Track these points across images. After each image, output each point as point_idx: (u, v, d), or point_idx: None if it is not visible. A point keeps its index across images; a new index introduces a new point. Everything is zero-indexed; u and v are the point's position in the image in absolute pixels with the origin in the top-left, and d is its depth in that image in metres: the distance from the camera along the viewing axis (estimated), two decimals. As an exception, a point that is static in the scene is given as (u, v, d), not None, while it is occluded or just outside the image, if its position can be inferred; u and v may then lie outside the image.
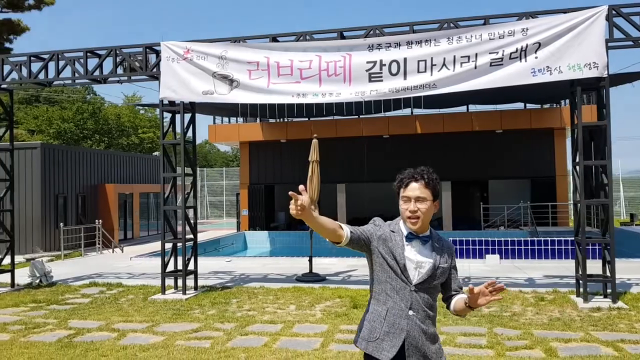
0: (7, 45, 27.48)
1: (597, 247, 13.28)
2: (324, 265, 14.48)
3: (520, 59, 9.54)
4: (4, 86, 12.48)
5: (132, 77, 11.96)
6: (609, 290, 9.74)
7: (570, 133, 14.32)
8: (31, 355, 7.09)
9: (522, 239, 16.38)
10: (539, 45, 9.43)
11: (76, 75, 11.78)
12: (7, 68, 12.22)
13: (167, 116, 12.27)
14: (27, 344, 7.63)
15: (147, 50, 11.37)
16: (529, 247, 16.04)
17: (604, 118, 9.75)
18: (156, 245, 18.75)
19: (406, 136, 22.32)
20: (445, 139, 22.45)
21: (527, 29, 9.50)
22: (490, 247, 16.24)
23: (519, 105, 21.83)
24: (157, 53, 11.35)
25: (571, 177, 10.67)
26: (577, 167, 10.00)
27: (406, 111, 21.33)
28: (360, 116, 22.23)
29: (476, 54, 9.68)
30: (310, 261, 12.97)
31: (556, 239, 16.17)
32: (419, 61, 9.91)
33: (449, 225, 23.55)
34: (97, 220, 19.72)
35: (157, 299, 10.57)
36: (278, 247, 22.15)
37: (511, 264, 14.56)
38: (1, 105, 12.63)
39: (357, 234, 3.11)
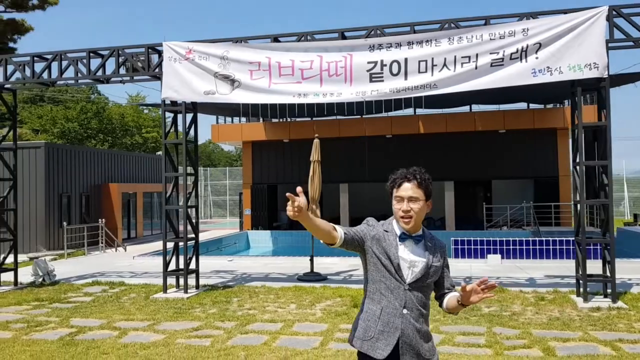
0: (11, 45, 27.60)
1: (598, 247, 13.27)
2: (325, 264, 14.53)
3: (521, 60, 9.56)
4: (7, 86, 12.57)
5: (135, 77, 12.03)
6: (609, 290, 9.75)
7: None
8: (33, 353, 7.16)
9: (524, 239, 16.38)
10: (540, 46, 9.45)
11: (79, 75, 11.86)
12: (10, 68, 12.31)
13: (170, 116, 12.33)
14: (29, 341, 7.70)
15: (150, 50, 11.44)
16: (531, 247, 16.03)
17: (605, 118, 9.75)
18: (159, 245, 18.78)
19: (409, 136, 22.33)
20: (448, 138, 22.46)
21: (527, 30, 9.52)
22: (492, 247, 16.24)
23: (522, 105, 21.82)
24: (160, 53, 11.41)
25: (574, 177, 10.67)
26: (578, 168, 10.01)
27: (409, 111, 21.34)
28: (363, 116, 22.25)
29: (477, 54, 9.71)
30: (312, 261, 13.01)
31: (558, 239, 16.16)
32: (419, 61, 9.94)
33: (452, 225, 23.57)
34: (100, 220, 19.81)
35: (159, 298, 10.63)
36: (280, 247, 22.22)
37: (513, 264, 14.58)
38: (5, 105, 12.72)
39: (350, 235, 3.14)
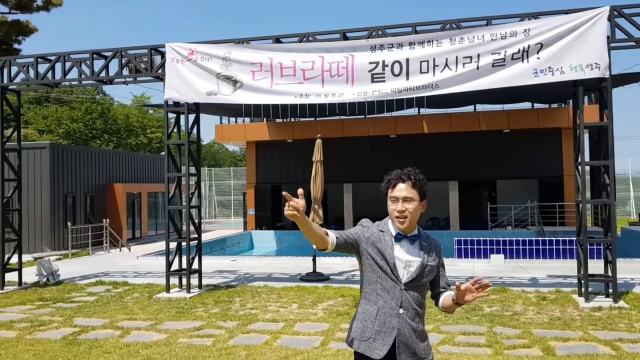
0: (16, 46, 27.75)
1: (602, 247, 13.24)
2: (328, 264, 14.56)
3: (523, 60, 9.56)
4: (11, 87, 12.65)
5: (138, 78, 12.11)
6: (610, 290, 9.75)
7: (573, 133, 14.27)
8: (36, 352, 7.22)
9: (528, 238, 16.36)
10: (541, 46, 9.45)
11: (82, 76, 11.94)
12: (14, 69, 12.39)
13: (173, 116, 12.38)
14: (32, 341, 7.77)
15: (152, 51, 11.50)
16: (534, 247, 16.01)
17: (607, 118, 9.75)
18: (163, 245, 18.76)
19: (413, 136, 22.33)
20: (452, 138, 22.44)
21: (529, 30, 9.52)
22: (495, 247, 16.22)
23: (527, 105, 21.79)
24: (162, 54, 11.47)
25: (576, 177, 10.66)
26: (579, 168, 10.01)
27: (413, 111, 21.33)
28: (367, 116, 22.27)
29: (478, 55, 9.72)
30: (314, 260, 13.04)
31: (561, 238, 16.13)
32: (421, 62, 9.96)
33: (456, 225, 23.54)
34: (104, 220, 19.90)
35: (162, 298, 10.69)
36: (284, 247, 22.25)
37: (516, 264, 14.58)
38: (9, 106, 12.81)
39: (342, 239, 3.20)
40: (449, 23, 10.15)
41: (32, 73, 12.19)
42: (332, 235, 3.16)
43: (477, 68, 9.73)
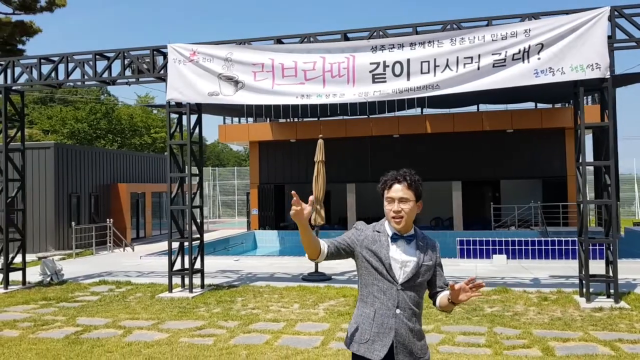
0: (20, 46, 27.87)
1: (604, 247, 13.23)
2: (330, 264, 14.54)
3: (523, 60, 9.58)
4: (15, 88, 12.73)
5: (140, 79, 12.16)
6: (611, 291, 9.75)
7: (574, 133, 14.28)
8: (39, 351, 7.28)
9: (531, 239, 16.35)
10: (542, 47, 9.47)
11: (85, 77, 12.00)
12: (18, 70, 12.46)
13: (175, 117, 12.43)
14: (35, 340, 7.83)
15: (155, 52, 11.55)
16: (537, 247, 16.00)
17: (608, 119, 9.75)
18: (166, 244, 18.96)
19: (416, 136, 22.33)
20: (455, 138, 22.43)
21: (529, 30, 9.54)
22: (498, 247, 16.22)
23: (530, 105, 21.76)
24: (164, 55, 11.52)
25: (576, 177, 10.65)
26: (580, 168, 10.01)
27: (416, 111, 21.35)
28: (370, 116, 22.29)
29: (479, 55, 9.74)
30: (317, 260, 13.04)
31: (564, 239, 16.12)
32: (422, 62, 9.98)
33: (460, 225, 23.54)
34: (108, 219, 19.99)
35: (164, 297, 10.74)
36: (287, 247, 22.29)
37: (518, 264, 14.58)
38: (12, 106, 12.89)
39: (334, 247, 3.27)
40: (450, 23, 10.18)
41: (35, 74, 12.27)
42: (323, 245, 3.24)
43: (478, 68, 9.75)
